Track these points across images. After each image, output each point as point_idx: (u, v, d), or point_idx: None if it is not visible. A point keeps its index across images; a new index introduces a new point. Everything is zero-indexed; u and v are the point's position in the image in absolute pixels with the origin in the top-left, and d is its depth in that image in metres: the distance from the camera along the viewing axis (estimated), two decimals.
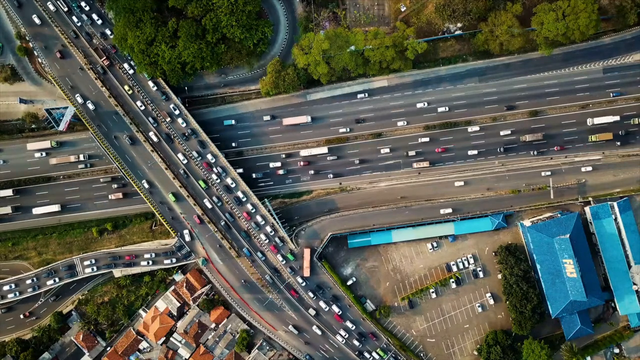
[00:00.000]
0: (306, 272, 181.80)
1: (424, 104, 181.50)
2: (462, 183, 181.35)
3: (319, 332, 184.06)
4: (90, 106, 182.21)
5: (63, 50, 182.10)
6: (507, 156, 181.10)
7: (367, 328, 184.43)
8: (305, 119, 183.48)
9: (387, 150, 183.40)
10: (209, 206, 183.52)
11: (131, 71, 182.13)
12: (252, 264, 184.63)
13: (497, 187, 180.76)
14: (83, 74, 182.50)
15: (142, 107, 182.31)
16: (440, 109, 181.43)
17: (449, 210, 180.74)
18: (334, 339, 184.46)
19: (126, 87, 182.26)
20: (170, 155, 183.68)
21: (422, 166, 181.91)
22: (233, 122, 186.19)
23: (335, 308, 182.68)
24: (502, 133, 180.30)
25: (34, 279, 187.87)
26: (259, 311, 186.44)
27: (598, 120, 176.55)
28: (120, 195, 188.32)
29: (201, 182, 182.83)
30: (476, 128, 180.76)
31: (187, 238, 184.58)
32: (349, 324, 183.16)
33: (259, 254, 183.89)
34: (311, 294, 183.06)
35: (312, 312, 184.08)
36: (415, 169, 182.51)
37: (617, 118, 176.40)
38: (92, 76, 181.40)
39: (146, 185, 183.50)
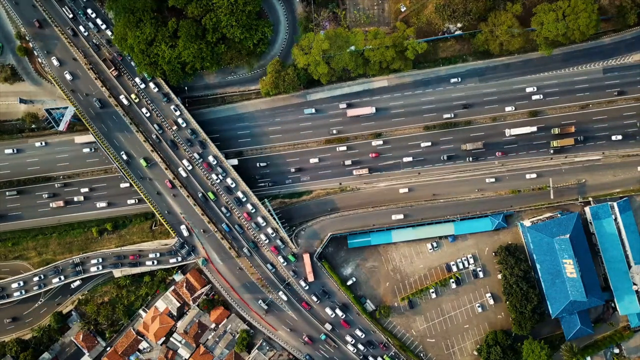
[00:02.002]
0: (310, 277, 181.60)
1: (533, 89, 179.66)
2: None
3: (285, 298, 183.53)
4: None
5: (42, 20, 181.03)
6: (444, 165, 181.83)
7: (376, 337, 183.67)
8: (369, 109, 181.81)
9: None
10: (225, 223, 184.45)
11: (142, 85, 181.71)
12: (257, 269, 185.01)
13: (445, 192, 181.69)
14: (83, 73, 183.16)
15: (147, 114, 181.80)
16: (535, 97, 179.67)
17: (401, 217, 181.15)
18: (337, 342, 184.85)
19: (133, 96, 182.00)
20: (172, 157, 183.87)
21: (360, 173, 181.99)
22: (313, 110, 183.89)
23: (339, 311, 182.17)
24: (422, 144, 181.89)
25: (41, 276, 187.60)
26: (259, 311, 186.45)
27: (515, 132, 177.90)
28: (61, 203, 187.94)
29: (210, 194, 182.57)
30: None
31: (186, 234, 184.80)
32: (358, 332, 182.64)
33: (268, 265, 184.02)
34: (315, 298, 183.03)
35: (328, 326, 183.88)
36: (355, 175, 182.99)
37: (534, 129, 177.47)
38: (92, 76, 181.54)
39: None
